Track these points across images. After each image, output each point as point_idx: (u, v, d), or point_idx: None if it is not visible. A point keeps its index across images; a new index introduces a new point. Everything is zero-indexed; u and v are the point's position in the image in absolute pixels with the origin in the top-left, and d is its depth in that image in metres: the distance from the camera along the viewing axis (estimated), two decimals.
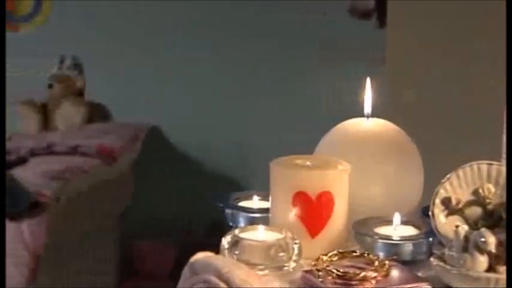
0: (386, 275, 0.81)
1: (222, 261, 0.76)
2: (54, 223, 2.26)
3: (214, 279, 0.73)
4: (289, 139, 2.55)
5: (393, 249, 0.86)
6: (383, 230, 0.89)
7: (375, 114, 0.97)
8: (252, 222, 0.92)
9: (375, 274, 0.81)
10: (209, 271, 0.74)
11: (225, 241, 0.83)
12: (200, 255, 0.79)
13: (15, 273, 2.19)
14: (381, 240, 0.87)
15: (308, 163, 0.89)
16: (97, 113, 2.99)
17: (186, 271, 0.78)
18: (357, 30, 2.93)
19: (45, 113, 2.96)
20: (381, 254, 0.85)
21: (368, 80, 0.98)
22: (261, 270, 0.81)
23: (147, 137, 2.92)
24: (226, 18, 3.05)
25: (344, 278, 0.80)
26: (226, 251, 0.83)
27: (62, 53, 3.01)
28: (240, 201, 0.97)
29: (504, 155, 0.92)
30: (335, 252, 0.84)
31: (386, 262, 0.83)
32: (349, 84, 2.39)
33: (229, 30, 3.05)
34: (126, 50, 3.09)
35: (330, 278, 0.79)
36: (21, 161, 2.49)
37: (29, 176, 2.35)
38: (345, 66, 2.89)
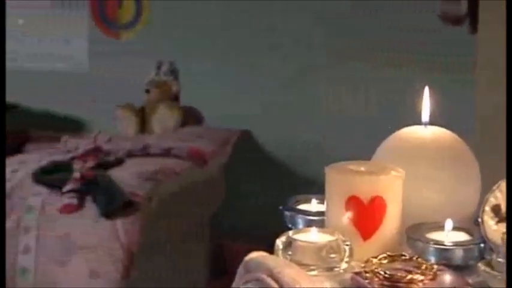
0: (433, 278, 0.83)
1: (274, 260, 0.80)
2: (147, 222, 2.35)
3: (265, 278, 0.77)
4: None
5: (444, 254, 0.88)
6: (435, 236, 0.90)
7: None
8: (310, 224, 0.96)
9: (421, 277, 0.83)
10: (261, 270, 0.78)
11: (279, 242, 0.87)
12: (254, 255, 0.83)
13: (111, 269, 2.28)
14: (432, 245, 0.89)
15: (362, 169, 0.93)
16: (191, 117, 3.09)
17: (240, 269, 0.82)
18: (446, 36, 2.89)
19: (142, 116, 3.09)
20: (432, 259, 0.87)
21: (426, 88, 0.99)
22: (312, 270, 0.85)
23: (238, 141, 2.99)
24: (317, 22, 3.08)
25: (391, 280, 0.82)
26: (280, 252, 0.87)
27: (159, 59, 3.13)
28: (299, 204, 1.01)
29: None
30: (385, 255, 0.87)
31: (435, 266, 0.84)
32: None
33: (319, 35, 3.07)
34: (219, 55, 3.18)
35: (377, 279, 0.82)
36: (119, 162, 2.59)
37: (125, 176, 2.44)
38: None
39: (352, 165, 0.93)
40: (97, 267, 2.26)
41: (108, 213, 2.28)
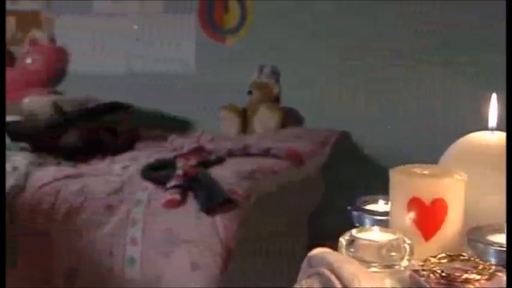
0: (490, 278, 0.85)
1: (336, 256, 0.85)
2: (245, 219, 2.40)
3: (326, 272, 0.82)
4: None
5: (503, 256, 0.90)
6: (495, 238, 0.92)
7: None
8: (376, 224, 1.00)
9: (478, 277, 0.85)
10: (323, 264, 0.83)
11: (343, 239, 0.92)
12: (317, 250, 0.88)
13: (210, 262, 2.33)
14: (491, 247, 0.90)
15: (425, 172, 0.96)
16: (291, 118, 3.15)
17: (304, 263, 0.87)
18: None
19: (244, 117, 3.18)
20: (492, 260, 0.89)
21: (494, 95, 1.01)
22: (373, 267, 0.89)
23: (337, 142, 3.02)
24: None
25: (447, 278, 0.85)
26: (343, 249, 0.91)
27: (262, 63, 3.21)
28: (367, 204, 1.05)
29: None
30: (443, 254, 0.90)
31: (493, 267, 0.87)
32: None
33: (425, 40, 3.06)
34: (319, 58, 3.23)
35: (433, 277, 0.85)
36: (219, 160, 2.68)
37: (225, 174, 2.51)
38: None
39: (416, 168, 0.97)
40: (197, 259, 2.31)
41: (208, 209, 2.33)
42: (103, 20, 3.66)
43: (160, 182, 2.46)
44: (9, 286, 2.51)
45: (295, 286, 0.86)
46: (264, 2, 3.33)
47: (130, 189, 2.48)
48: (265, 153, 2.75)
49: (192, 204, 2.38)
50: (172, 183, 2.42)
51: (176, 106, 3.47)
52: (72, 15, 3.72)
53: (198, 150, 2.78)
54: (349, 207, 1.05)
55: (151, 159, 2.69)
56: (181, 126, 3.42)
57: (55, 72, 3.71)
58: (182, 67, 3.53)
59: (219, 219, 2.33)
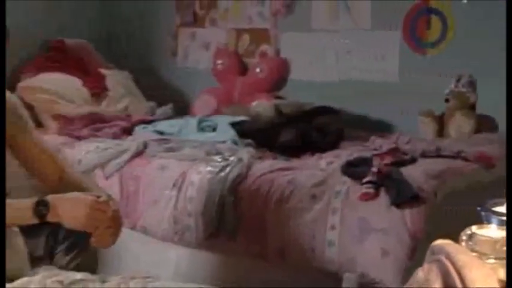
0: None
1: (453, 247, 0.90)
2: (432, 214, 2.39)
3: (444, 260, 0.88)
4: None
5: None
6: None
7: None
8: (502, 223, 1.01)
9: None
10: (442, 253, 0.89)
11: (464, 234, 0.96)
12: (439, 241, 0.94)
13: (398, 250, 2.33)
14: None
15: None
16: (485, 125, 3.08)
17: (428, 251, 0.93)
18: None
19: (441, 122, 3.15)
20: None
21: None
22: (489, 259, 0.92)
23: None
24: None
25: None
26: (463, 242, 0.95)
27: (459, 73, 3.16)
28: (496, 206, 1.06)
29: None
30: None
31: None
32: None
33: None
34: None
35: None
36: (412, 161, 2.69)
37: (415, 173, 2.52)
38: None
39: None
40: (387, 247, 2.33)
41: (398, 203, 2.35)
42: (320, 35, 3.80)
43: (357, 177, 2.52)
44: (231, 255, 2.75)
45: (418, 269, 0.92)
46: (464, 20, 3.28)
47: (332, 182, 2.56)
48: (456, 155, 2.72)
49: (384, 198, 2.41)
50: (367, 178, 2.47)
51: (379, 110, 3.53)
52: (295, 32, 3.90)
53: (394, 150, 2.82)
54: (478, 208, 1.07)
55: (352, 157, 2.77)
56: (383, 128, 3.46)
57: (278, 80, 3.93)
58: (386, 76, 3.57)
59: (407, 213, 2.35)
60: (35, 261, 2.01)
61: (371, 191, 2.43)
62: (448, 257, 0.87)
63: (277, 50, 3.95)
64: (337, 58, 3.73)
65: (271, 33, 3.97)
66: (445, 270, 0.85)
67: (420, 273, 0.89)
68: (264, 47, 4.00)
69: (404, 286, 0.88)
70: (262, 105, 3.51)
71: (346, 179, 2.56)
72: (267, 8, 3.96)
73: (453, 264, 0.86)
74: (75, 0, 4.26)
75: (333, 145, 3.12)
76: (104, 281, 1.78)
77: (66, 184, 2.11)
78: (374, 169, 2.52)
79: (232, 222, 2.68)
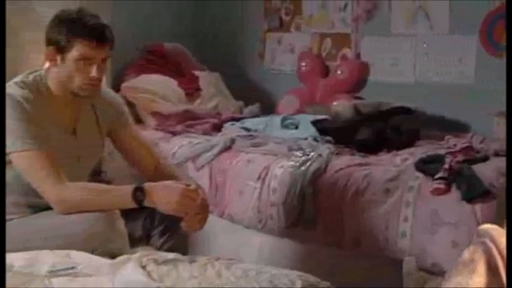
0: None
1: (497, 231, 0.94)
2: (502, 209, 2.34)
3: (488, 241, 0.92)
4: None
5: None
6: None
7: None
8: None
9: None
10: (487, 236, 0.93)
11: None
12: (485, 226, 0.97)
13: (468, 243, 2.33)
14: None
15: None
16: None
17: (475, 235, 0.97)
18: None
19: None
20: None
21: None
22: None
23: None
24: None
25: None
26: None
27: None
28: None
29: None
30: None
31: None
32: None
33: None
34: None
35: None
36: (484, 159, 2.66)
37: (487, 170, 2.50)
38: None
39: None
40: (458, 240, 2.33)
41: (469, 198, 2.35)
42: (398, 39, 3.79)
43: (430, 174, 2.52)
44: (309, 243, 2.80)
45: (465, 250, 0.96)
46: None
47: (405, 178, 2.57)
48: None
49: (455, 193, 2.41)
50: (439, 175, 2.47)
51: (455, 112, 3.48)
52: (374, 36, 3.91)
53: (467, 149, 2.79)
54: None
55: (425, 155, 2.76)
56: (458, 129, 3.42)
57: (358, 81, 3.94)
58: (462, 78, 3.53)
59: (478, 207, 2.34)
60: (134, 242, 2.13)
61: (442, 186, 2.43)
62: (492, 239, 0.91)
63: (357, 54, 3.97)
64: (415, 61, 3.71)
65: (352, 38, 3.98)
66: (488, 251, 0.89)
67: (466, 254, 0.93)
68: (345, 51, 4.03)
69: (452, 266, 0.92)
70: (342, 105, 3.53)
71: (419, 174, 2.56)
72: (349, 14, 3.98)
73: (496, 246, 0.90)
74: (173, 9, 4.43)
75: (408, 144, 3.11)
76: (192, 261, 1.88)
77: (160, 174, 2.24)
78: (446, 166, 2.51)
79: (311, 212, 2.74)
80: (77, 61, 2.02)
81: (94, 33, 2.01)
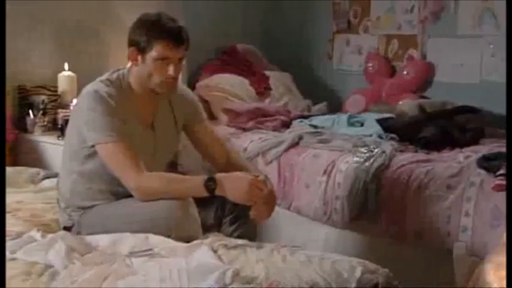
0: None
1: None
2: None
3: None
4: None
5: None
6: None
7: None
8: None
9: None
10: None
11: None
12: None
13: None
14: None
15: None
16: None
17: None
18: None
19: None
20: None
21: None
22: None
23: None
24: None
25: None
26: None
27: None
28: None
29: None
30: None
31: None
32: None
33: None
34: None
35: None
36: None
37: None
38: None
39: None
40: None
41: None
42: (465, 40, 3.73)
43: (492, 170, 2.49)
44: (372, 236, 2.82)
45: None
46: None
47: (467, 174, 2.55)
48: None
49: None
50: (501, 171, 2.44)
51: None
52: (441, 38, 3.87)
53: None
54: None
55: (488, 152, 2.73)
56: None
57: (424, 82, 3.91)
58: None
59: None
60: (206, 230, 2.21)
61: (503, 182, 2.39)
62: None
63: (423, 54, 3.94)
64: (481, 61, 3.65)
65: (419, 39, 3.96)
66: None
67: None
68: (411, 52, 4.01)
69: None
70: (407, 104, 3.52)
71: (481, 171, 2.54)
72: (416, 16, 3.96)
73: None
74: (244, 11, 4.52)
75: (472, 142, 3.07)
76: (259, 247, 1.95)
77: (231, 166, 2.32)
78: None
79: (374, 206, 2.76)
80: (156, 61, 2.13)
81: (171, 34, 2.11)
